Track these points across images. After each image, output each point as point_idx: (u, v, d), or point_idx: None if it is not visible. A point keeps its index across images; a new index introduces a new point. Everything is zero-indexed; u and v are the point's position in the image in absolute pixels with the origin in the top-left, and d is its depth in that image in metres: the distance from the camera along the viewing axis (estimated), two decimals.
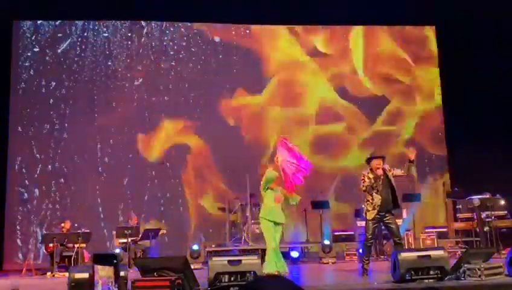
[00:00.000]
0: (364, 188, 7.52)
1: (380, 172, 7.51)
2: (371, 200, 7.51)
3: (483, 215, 10.56)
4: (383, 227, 8.06)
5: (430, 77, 14.17)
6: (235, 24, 13.75)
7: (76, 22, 13.17)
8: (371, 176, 7.53)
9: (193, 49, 13.56)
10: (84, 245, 10.14)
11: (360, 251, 7.84)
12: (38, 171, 12.49)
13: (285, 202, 7.90)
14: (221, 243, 11.52)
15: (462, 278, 6.48)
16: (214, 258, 6.73)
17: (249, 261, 6.63)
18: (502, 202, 10.73)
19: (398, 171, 7.73)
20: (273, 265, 7.53)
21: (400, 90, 14.03)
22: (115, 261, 3.82)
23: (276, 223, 7.78)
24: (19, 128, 12.58)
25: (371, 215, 7.48)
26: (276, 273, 7.48)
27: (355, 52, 14.09)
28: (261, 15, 13.14)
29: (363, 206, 7.83)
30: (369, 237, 7.57)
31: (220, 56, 13.62)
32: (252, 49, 13.73)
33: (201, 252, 10.26)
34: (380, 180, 7.51)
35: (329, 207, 11.79)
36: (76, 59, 13.06)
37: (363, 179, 7.55)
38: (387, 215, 7.49)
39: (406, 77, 14.12)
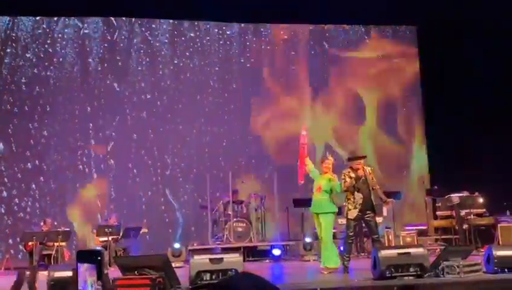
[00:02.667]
0: (345, 188, 7.58)
1: (361, 172, 7.58)
2: (352, 199, 7.57)
3: (462, 213, 10.69)
4: (363, 224, 8.14)
5: (410, 76, 14.28)
6: (218, 22, 13.72)
7: (56, 19, 13.01)
8: (352, 175, 7.59)
9: (175, 46, 13.50)
10: (64, 244, 10.06)
11: (341, 248, 7.90)
12: (17, 169, 12.32)
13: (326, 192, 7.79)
14: (203, 242, 11.50)
15: (441, 275, 6.56)
16: (196, 257, 6.72)
17: (231, 259, 6.63)
18: (481, 200, 10.88)
19: (379, 191, 7.84)
20: (324, 259, 7.66)
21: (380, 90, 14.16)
22: (99, 258, 3.79)
23: (315, 214, 7.80)
24: None
25: (352, 214, 7.55)
26: (325, 268, 7.56)
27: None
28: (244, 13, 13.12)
29: (344, 204, 7.88)
30: (350, 234, 7.65)
31: (202, 54, 13.59)
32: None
33: (182, 250, 10.23)
34: (360, 180, 7.58)
35: (311, 205, 11.82)
36: (56, 55, 12.91)
37: (343, 179, 7.61)
38: (367, 212, 7.58)
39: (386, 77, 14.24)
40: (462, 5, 11.92)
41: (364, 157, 7.85)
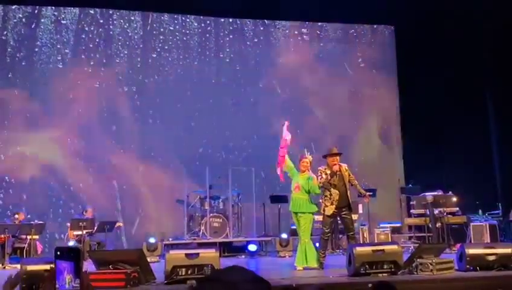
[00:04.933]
0: (321, 184, 7.63)
1: (336, 168, 7.64)
2: (329, 196, 7.62)
3: (436, 211, 10.85)
4: (339, 221, 8.20)
5: (387, 77, 14.41)
6: (198, 15, 13.64)
7: (33, 8, 12.76)
8: (328, 171, 7.65)
9: (154, 39, 13.36)
10: (37, 237, 9.93)
11: (317, 244, 7.95)
12: None
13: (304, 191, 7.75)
14: (179, 237, 11.45)
15: (415, 273, 6.66)
16: (171, 251, 6.71)
17: (207, 255, 6.64)
18: (454, 199, 11.05)
19: (358, 186, 8.02)
20: (299, 259, 7.63)
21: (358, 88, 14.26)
22: (77, 255, 3.72)
23: (294, 213, 7.77)
24: None
25: (329, 210, 7.59)
26: (301, 268, 7.53)
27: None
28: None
29: (320, 201, 7.92)
30: (326, 231, 7.70)
31: (181, 48, 13.50)
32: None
33: (158, 245, 10.17)
34: (336, 176, 7.63)
35: (287, 201, 11.88)
36: (32, 46, 12.66)
37: (320, 175, 7.66)
38: (343, 209, 7.64)
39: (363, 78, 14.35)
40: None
41: (340, 154, 7.90)
